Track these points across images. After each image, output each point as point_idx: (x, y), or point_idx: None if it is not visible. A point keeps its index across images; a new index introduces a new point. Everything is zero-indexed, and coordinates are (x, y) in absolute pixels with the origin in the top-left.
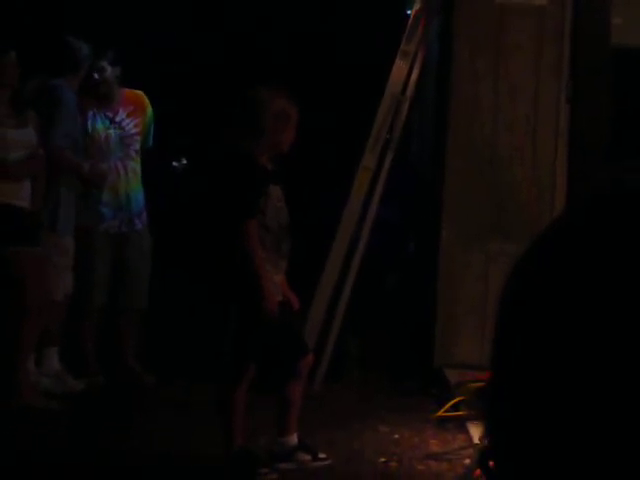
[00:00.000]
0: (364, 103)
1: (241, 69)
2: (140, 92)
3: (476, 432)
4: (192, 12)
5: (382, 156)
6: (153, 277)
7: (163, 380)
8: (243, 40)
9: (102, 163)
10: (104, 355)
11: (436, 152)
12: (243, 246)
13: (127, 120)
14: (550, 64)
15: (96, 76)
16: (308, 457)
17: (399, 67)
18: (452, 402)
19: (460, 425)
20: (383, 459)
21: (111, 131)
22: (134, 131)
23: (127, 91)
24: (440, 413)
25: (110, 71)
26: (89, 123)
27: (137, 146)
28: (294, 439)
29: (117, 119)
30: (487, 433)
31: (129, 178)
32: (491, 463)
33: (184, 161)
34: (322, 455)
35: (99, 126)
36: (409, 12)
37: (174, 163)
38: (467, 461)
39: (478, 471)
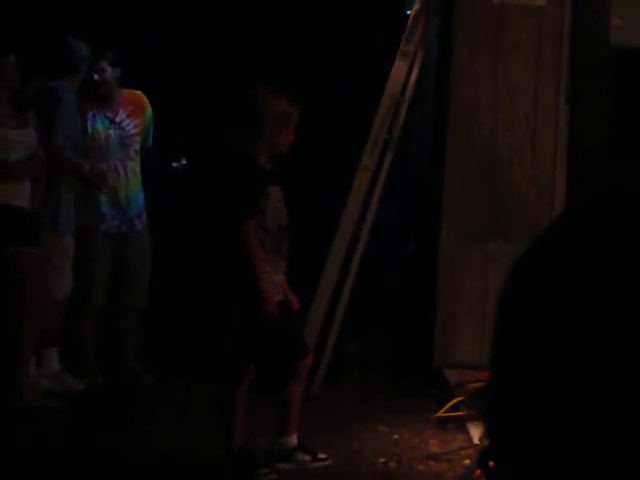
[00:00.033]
0: (364, 103)
1: (241, 69)
2: (140, 92)
3: (476, 432)
4: (192, 12)
5: (382, 156)
6: (153, 277)
7: (163, 380)
8: (243, 40)
9: (102, 163)
10: (104, 355)
11: (436, 152)
12: (242, 247)
13: (127, 120)
14: (549, 64)
15: (96, 77)
16: (308, 457)
17: (399, 67)
18: (452, 402)
19: (460, 425)
20: (383, 459)
21: (111, 131)
22: (134, 131)
23: (127, 92)
24: (440, 413)
25: (110, 72)
26: (89, 124)
27: (137, 146)
28: (294, 439)
29: (117, 119)
30: (487, 433)
31: (129, 178)
32: (491, 463)
33: (184, 161)
34: (322, 455)
35: (99, 126)
36: (409, 12)
37: (174, 163)
38: (467, 461)
39: (478, 471)
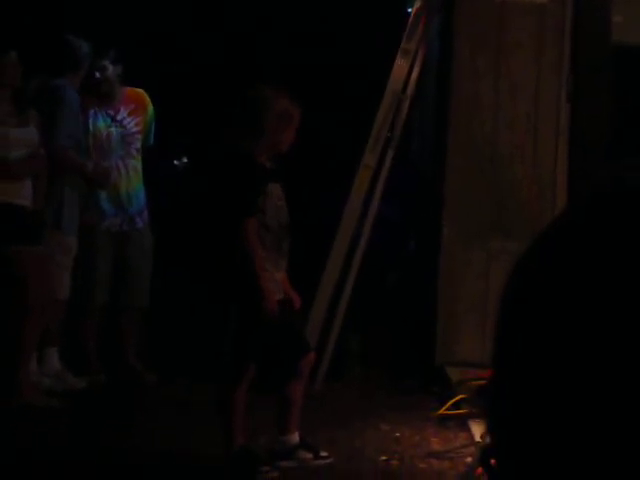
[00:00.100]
0: (365, 102)
1: (241, 69)
2: (141, 90)
3: (477, 430)
4: (192, 12)
5: (383, 154)
6: (154, 275)
7: (164, 379)
8: (243, 40)
9: (103, 161)
10: (106, 353)
11: (437, 150)
12: (242, 245)
13: (128, 118)
14: (551, 62)
15: (97, 75)
16: (309, 455)
17: (400, 65)
18: (453, 400)
19: (461, 423)
20: (384, 457)
21: (112, 129)
22: (135, 129)
23: (128, 89)
24: (441, 411)
25: (111, 70)
26: (90, 121)
27: (138, 144)
28: (295, 437)
29: (118, 117)
30: (489, 431)
31: (130, 176)
32: (493, 461)
33: (185, 159)
34: (324, 453)
35: (100, 124)
36: (409, 10)
37: (175, 161)
38: (469, 459)
39: (480, 469)
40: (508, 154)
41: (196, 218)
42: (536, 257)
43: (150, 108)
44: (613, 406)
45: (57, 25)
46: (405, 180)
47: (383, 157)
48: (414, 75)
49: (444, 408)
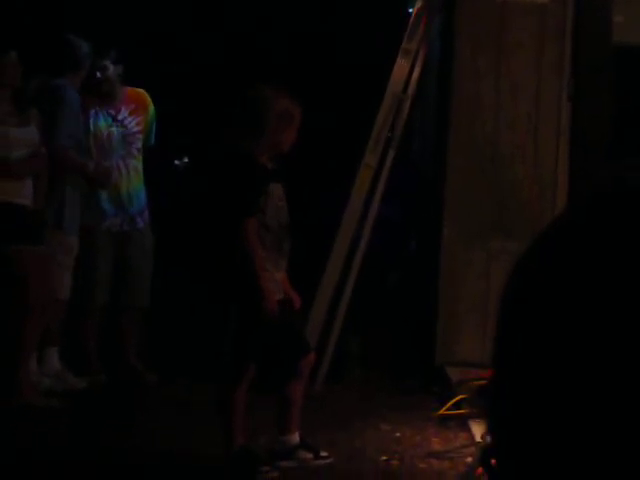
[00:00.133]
0: (365, 102)
1: (241, 69)
2: (142, 90)
3: (478, 430)
4: (192, 12)
5: (384, 154)
6: (155, 275)
7: (165, 379)
8: (243, 40)
9: (104, 161)
10: (106, 353)
11: (438, 150)
12: (243, 245)
13: (129, 118)
14: (552, 62)
15: (98, 74)
16: (309, 455)
17: (400, 65)
18: (454, 400)
19: (462, 423)
20: (385, 457)
21: (113, 129)
22: (136, 129)
23: (129, 89)
24: (442, 411)
25: (112, 69)
26: (91, 121)
27: (139, 144)
28: (295, 437)
29: (119, 117)
30: (489, 431)
31: (131, 176)
32: (493, 461)
33: (186, 159)
34: (324, 453)
35: (101, 124)
36: (410, 10)
37: (176, 161)
38: (469, 459)
39: (480, 469)
40: (509, 154)
41: (196, 218)
42: (536, 257)
43: (151, 108)
44: (613, 406)
45: (57, 25)
46: (406, 180)
47: (384, 157)
48: (415, 75)
49: (444, 408)
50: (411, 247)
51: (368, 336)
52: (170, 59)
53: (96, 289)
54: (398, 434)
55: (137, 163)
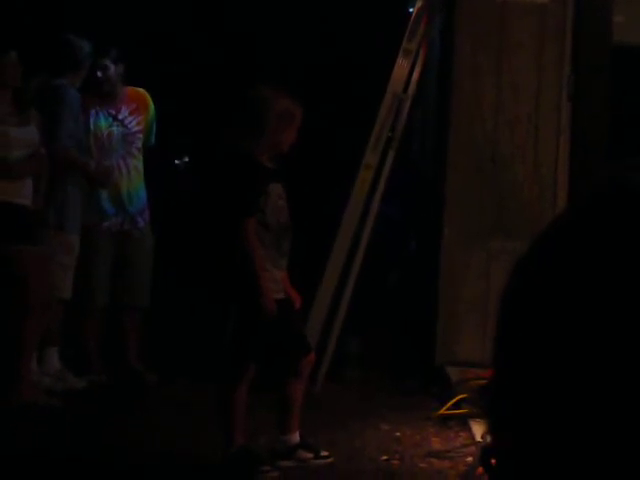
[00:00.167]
0: (366, 102)
1: (241, 69)
2: (143, 90)
3: (478, 430)
4: (192, 12)
5: (384, 154)
6: (155, 275)
7: (165, 379)
8: (243, 40)
9: (105, 161)
10: (106, 353)
11: (438, 150)
12: (242, 245)
13: (130, 118)
14: (552, 62)
15: (99, 74)
16: (310, 455)
17: (401, 65)
18: (454, 400)
19: (462, 423)
20: (385, 457)
21: (114, 129)
22: (136, 129)
23: (130, 89)
24: (442, 411)
25: (113, 69)
26: (91, 121)
27: (139, 144)
28: (296, 437)
29: (120, 117)
30: (489, 431)
31: (131, 176)
32: (493, 461)
33: (186, 159)
34: (324, 453)
35: (102, 124)
36: (411, 10)
37: (176, 161)
38: (469, 459)
39: (480, 469)
40: (509, 154)
41: (196, 218)
42: (536, 257)
43: (151, 108)
44: (613, 406)
45: (57, 25)
46: (406, 180)
47: (384, 157)
48: (415, 75)
49: (445, 408)
50: (411, 247)
51: (368, 336)
52: (170, 59)
53: (96, 289)
54: (398, 434)
55: (137, 163)
